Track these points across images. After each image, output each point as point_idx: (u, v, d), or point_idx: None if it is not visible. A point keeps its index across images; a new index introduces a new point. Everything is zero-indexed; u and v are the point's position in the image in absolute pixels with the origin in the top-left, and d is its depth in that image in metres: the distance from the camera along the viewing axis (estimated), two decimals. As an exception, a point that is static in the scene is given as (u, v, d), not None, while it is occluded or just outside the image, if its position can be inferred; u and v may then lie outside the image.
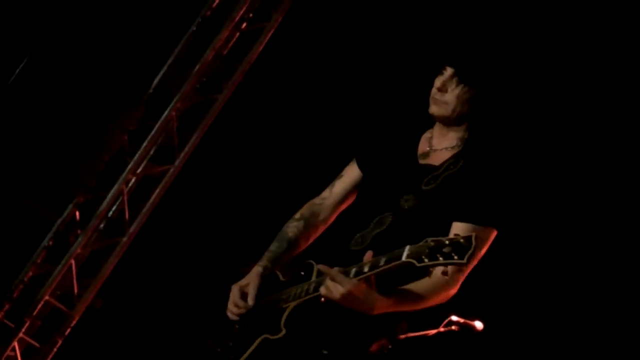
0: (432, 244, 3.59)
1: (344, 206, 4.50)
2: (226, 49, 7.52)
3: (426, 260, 3.58)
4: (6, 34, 7.06)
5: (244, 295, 4.25)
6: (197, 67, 7.45)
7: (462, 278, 4.03)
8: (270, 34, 7.47)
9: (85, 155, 7.39)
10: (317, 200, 4.52)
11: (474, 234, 3.58)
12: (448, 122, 4.21)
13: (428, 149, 4.27)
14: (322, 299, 3.91)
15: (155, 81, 7.50)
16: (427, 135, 4.32)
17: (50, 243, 7.42)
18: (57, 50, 7.24)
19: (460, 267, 3.81)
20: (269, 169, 7.50)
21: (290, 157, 7.46)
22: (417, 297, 3.92)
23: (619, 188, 6.82)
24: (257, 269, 4.32)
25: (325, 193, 4.51)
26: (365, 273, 3.77)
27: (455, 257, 3.55)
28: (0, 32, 7.03)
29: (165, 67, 7.51)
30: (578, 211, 6.85)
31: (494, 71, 4.21)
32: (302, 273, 4.12)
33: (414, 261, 3.60)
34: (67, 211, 7.41)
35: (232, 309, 4.25)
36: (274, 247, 4.42)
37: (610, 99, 6.77)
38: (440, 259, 3.56)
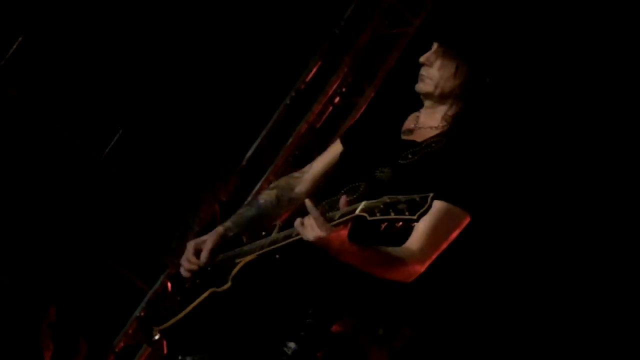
0: (388, 200, 3.43)
1: (323, 181, 4.32)
2: (319, 122, 7.55)
3: (378, 214, 3.42)
4: (100, 107, 7.24)
5: (197, 252, 4.17)
6: (290, 140, 7.50)
7: (431, 256, 3.84)
8: (362, 109, 7.49)
9: (178, 225, 7.47)
10: (295, 173, 4.40)
11: (431, 194, 3.41)
12: (432, 98, 4.07)
13: (413, 126, 4.12)
14: (277, 256, 3.81)
15: (249, 153, 7.57)
16: (415, 114, 4.18)
17: (142, 314, 7.49)
18: (151, 122, 7.38)
19: (429, 246, 3.75)
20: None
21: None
22: (384, 257, 3.73)
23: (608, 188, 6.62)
24: (218, 229, 4.20)
25: (306, 167, 4.39)
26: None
27: (407, 214, 3.39)
28: (94, 106, 7.22)
29: (258, 140, 7.58)
30: (560, 206, 6.64)
31: (482, 47, 4.05)
32: (264, 233, 4.02)
33: (366, 215, 3.45)
34: (158, 282, 7.49)
35: (184, 265, 4.14)
36: (241, 210, 4.28)
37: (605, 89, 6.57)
38: (392, 214, 3.40)
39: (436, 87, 4.05)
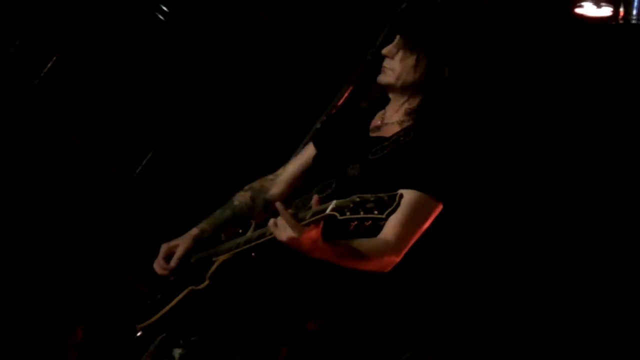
0: (358, 199, 3.54)
1: (297, 184, 4.47)
2: (349, 147, 7.54)
3: (348, 213, 3.52)
4: (132, 128, 7.26)
5: (169, 256, 4.23)
6: (319, 165, 7.50)
7: (406, 245, 3.94)
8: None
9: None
10: (270, 175, 4.58)
11: (399, 193, 3.51)
12: (395, 91, 4.18)
13: (380, 123, 4.24)
14: (253, 254, 3.91)
15: (276, 178, 7.56)
16: (382, 111, 4.29)
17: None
18: (182, 145, 7.40)
19: (403, 235, 3.86)
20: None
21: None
22: (356, 250, 3.82)
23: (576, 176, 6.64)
24: (192, 231, 4.34)
25: (280, 170, 4.55)
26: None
27: (376, 212, 3.48)
28: (126, 127, 7.23)
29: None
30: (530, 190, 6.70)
31: (442, 39, 4.13)
32: (240, 231, 4.12)
33: (337, 214, 3.55)
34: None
35: (156, 268, 4.25)
36: (216, 212, 4.46)
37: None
38: (361, 213, 3.50)
39: (397, 78, 4.16)
